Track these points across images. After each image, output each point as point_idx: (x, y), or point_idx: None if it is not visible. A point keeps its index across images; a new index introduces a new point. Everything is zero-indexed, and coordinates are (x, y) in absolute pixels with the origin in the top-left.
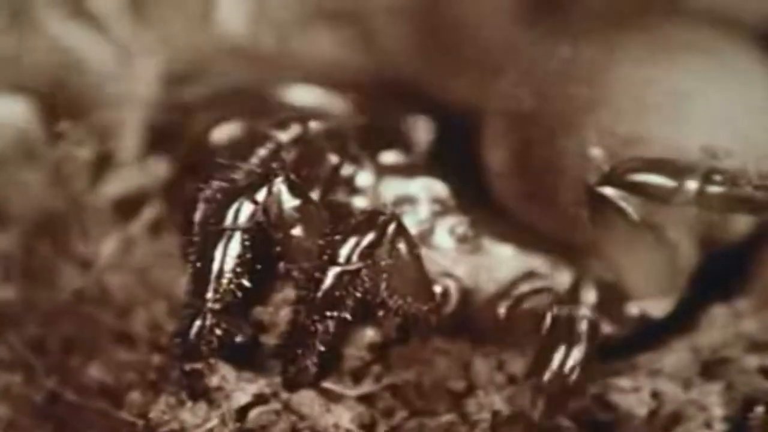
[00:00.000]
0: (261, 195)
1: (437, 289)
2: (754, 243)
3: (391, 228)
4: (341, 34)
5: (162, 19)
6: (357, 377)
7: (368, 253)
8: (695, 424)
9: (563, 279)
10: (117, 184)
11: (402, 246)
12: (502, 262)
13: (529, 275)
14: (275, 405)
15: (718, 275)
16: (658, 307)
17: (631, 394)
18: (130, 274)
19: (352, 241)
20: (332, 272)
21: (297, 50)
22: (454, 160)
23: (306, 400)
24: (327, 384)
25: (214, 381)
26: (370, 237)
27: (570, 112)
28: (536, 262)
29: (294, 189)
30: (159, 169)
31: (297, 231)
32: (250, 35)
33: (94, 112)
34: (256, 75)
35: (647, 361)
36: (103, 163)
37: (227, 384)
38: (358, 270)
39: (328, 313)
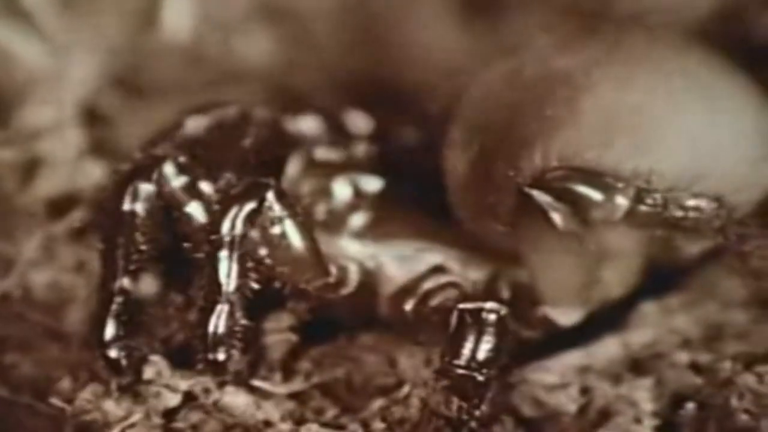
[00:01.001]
0: (154, 175)
1: (333, 267)
2: None
3: (270, 195)
4: (280, 32)
5: (100, 18)
6: (286, 375)
7: (251, 221)
8: (625, 420)
9: (474, 276)
10: (48, 185)
11: (285, 214)
12: (410, 254)
13: (437, 270)
14: (205, 402)
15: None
16: (564, 316)
17: (560, 390)
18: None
19: (233, 210)
20: (222, 241)
21: (238, 50)
22: (389, 158)
23: (236, 398)
24: (257, 382)
25: (147, 373)
26: (250, 205)
27: (537, 130)
28: (445, 258)
29: (182, 169)
30: (93, 170)
31: (192, 209)
32: (194, 35)
33: (25, 111)
34: (196, 75)
35: (576, 358)
36: (34, 165)
37: (160, 379)
38: (244, 236)
39: (228, 282)
